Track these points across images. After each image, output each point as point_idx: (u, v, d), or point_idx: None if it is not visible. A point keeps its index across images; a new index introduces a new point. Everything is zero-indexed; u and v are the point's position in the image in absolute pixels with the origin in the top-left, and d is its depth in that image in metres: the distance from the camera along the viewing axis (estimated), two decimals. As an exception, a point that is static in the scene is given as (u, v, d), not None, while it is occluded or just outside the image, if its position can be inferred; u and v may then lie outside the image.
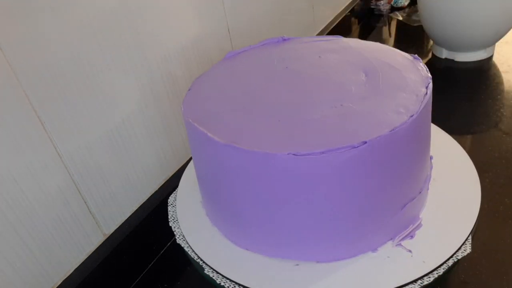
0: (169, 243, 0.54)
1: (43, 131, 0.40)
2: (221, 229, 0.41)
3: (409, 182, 0.36)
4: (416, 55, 0.41)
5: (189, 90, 0.42)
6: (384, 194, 0.35)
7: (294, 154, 0.31)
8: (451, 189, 0.42)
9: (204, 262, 0.38)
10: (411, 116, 0.33)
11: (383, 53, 0.42)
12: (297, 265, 0.37)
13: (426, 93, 0.35)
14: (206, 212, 0.44)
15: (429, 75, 0.38)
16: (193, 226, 0.43)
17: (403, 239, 0.37)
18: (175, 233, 0.43)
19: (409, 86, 0.37)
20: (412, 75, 0.38)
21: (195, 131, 0.36)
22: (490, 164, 0.56)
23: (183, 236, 0.42)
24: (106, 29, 0.44)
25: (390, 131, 0.32)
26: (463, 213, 0.39)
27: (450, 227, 0.38)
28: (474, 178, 0.42)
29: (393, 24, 1.08)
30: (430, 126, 0.39)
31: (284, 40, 0.48)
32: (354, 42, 0.45)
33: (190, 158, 0.53)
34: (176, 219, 0.45)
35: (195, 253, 0.40)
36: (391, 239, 0.38)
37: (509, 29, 0.80)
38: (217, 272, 0.37)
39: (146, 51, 0.49)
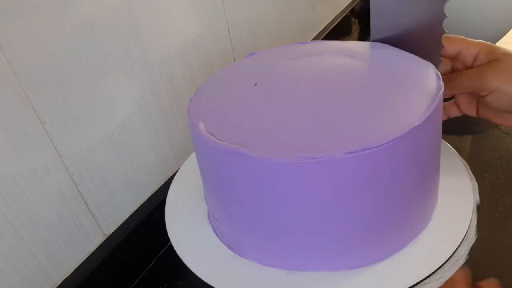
0: (169, 243, 0.54)
1: (43, 131, 0.40)
2: (222, 237, 0.41)
3: (423, 186, 0.36)
4: (427, 61, 0.39)
5: (194, 94, 0.41)
6: (396, 201, 0.34)
7: (298, 158, 0.30)
8: (451, 189, 0.42)
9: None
10: (419, 119, 0.32)
11: (387, 55, 0.42)
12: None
13: (436, 96, 0.34)
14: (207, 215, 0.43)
15: (439, 75, 0.36)
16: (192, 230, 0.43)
17: (403, 239, 0.37)
18: (175, 233, 0.43)
19: (415, 89, 0.36)
20: (419, 78, 0.37)
21: (199, 134, 0.35)
22: (490, 164, 0.56)
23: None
24: (106, 29, 0.44)
25: (398, 135, 0.31)
26: (463, 213, 0.39)
27: (450, 227, 0.38)
28: (474, 178, 0.42)
29: (393, 24, 1.08)
30: (440, 131, 0.37)
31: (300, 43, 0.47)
32: (357, 45, 0.45)
33: (190, 158, 0.53)
34: (176, 219, 0.45)
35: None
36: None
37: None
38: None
39: (146, 51, 0.49)
